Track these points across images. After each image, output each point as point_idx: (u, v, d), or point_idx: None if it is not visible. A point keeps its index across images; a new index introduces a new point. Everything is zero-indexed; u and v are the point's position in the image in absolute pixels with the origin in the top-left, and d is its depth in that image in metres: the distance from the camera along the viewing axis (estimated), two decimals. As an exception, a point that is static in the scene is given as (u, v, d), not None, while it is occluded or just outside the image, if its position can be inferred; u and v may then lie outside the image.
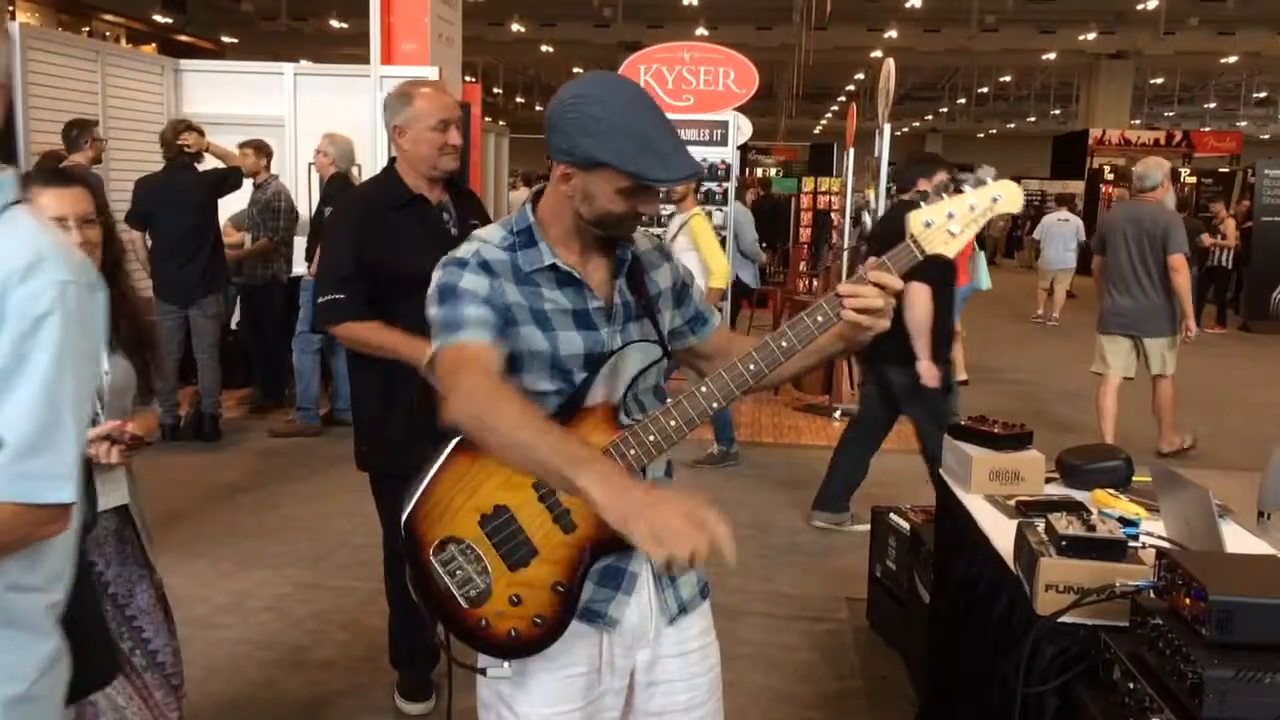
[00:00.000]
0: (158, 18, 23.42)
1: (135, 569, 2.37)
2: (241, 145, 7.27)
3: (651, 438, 1.72)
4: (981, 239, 11.48)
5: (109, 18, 22.11)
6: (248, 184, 7.34)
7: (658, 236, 2.04)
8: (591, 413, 1.76)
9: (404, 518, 1.73)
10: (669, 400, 1.77)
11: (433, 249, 3.05)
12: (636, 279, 1.87)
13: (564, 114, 1.66)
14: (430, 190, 3.12)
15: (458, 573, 1.71)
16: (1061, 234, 13.88)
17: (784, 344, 1.74)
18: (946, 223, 1.80)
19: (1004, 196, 1.82)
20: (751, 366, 1.74)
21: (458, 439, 1.72)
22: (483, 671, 1.79)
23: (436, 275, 1.78)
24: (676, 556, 1.37)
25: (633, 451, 1.71)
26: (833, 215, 13.90)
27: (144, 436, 2.23)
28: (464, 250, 1.78)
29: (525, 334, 1.74)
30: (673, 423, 1.72)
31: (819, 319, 1.74)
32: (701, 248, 6.08)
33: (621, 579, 1.81)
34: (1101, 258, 6.84)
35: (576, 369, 1.77)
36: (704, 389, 1.73)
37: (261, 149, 7.29)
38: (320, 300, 3.07)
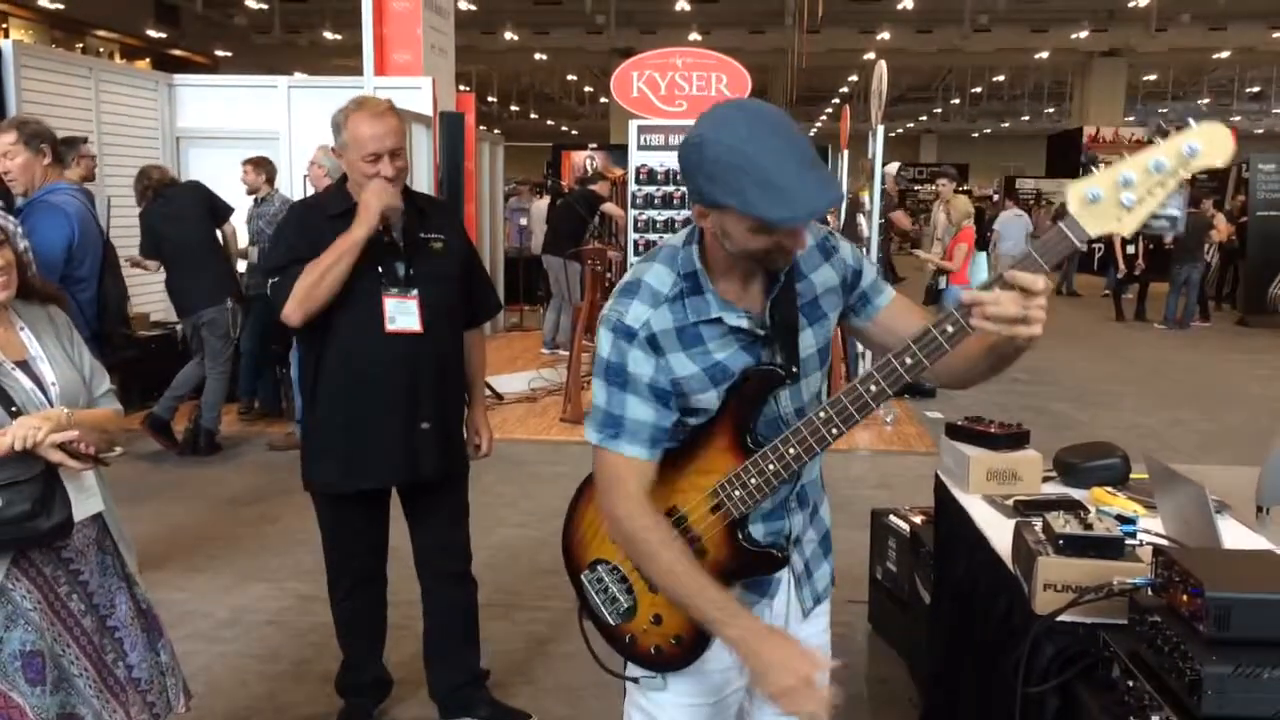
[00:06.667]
0: (151, 33, 23.49)
1: (116, 580, 2.35)
2: (244, 162, 7.28)
3: (771, 467, 1.69)
4: (984, 240, 11.69)
5: (102, 33, 22.17)
6: (247, 200, 7.34)
7: (825, 225, 1.89)
8: (718, 439, 1.74)
9: (562, 545, 1.91)
10: (790, 429, 1.70)
11: (361, 259, 2.95)
12: (785, 295, 1.77)
13: (686, 156, 1.60)
14: None
15: (607, 590, 1.84)
16: (1016, 226, 16.04)
17: (908, 360, 1.59)
18: (1119, 193, 1.45)
19: (1203, 146, 1.40)
20: (872, 387, 1.62)
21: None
22: (636, 680, 1.91)
23: (604, 334, 1.73)
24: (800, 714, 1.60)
25: (754, 481, 1.70)
26: (829, 218, 14.01)
27: (100, 455, 2.20)
28: (633, 314, 1.71)
29: (702, 399, 1.73)
30: (791, 450, 1.67)
31: (949, 329, 1.57)
32: None
33: (767, 586, 1.87)
34: None
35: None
36: (823, 414, 1.66)
37: (261, 165, 7.31)
38: (270, 285, 3.00)
